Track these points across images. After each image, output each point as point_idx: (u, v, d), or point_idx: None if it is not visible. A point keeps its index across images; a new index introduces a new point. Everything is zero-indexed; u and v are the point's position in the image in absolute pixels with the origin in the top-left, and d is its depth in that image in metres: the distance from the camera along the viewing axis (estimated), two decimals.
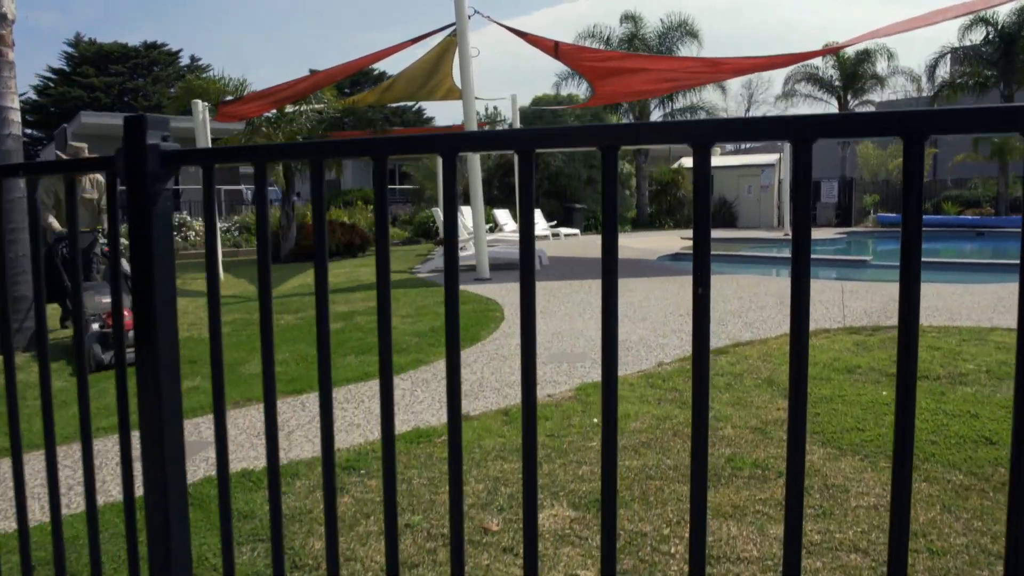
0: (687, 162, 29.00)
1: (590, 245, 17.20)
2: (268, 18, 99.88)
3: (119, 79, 48.51)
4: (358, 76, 48.07)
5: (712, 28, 73.76)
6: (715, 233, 18.88)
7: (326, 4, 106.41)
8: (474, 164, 9.86)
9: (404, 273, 11.40)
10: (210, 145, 16.07)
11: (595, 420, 3.96)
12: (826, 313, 6.82)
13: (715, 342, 5.74)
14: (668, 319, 6.81)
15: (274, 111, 14.43)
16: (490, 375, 5.04)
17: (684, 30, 24.03)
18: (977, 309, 6.79)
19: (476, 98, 17.24)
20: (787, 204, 22.09)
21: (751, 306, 7.35)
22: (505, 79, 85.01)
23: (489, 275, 10.14)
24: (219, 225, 19.62)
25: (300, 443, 3.82)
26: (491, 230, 20.30)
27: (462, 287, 9.32)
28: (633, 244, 17.55)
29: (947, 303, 7.14)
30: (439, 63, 12.33)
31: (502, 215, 20.04)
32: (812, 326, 6.29)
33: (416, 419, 4.14)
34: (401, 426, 4.02)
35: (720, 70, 11.40)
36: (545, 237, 19.99)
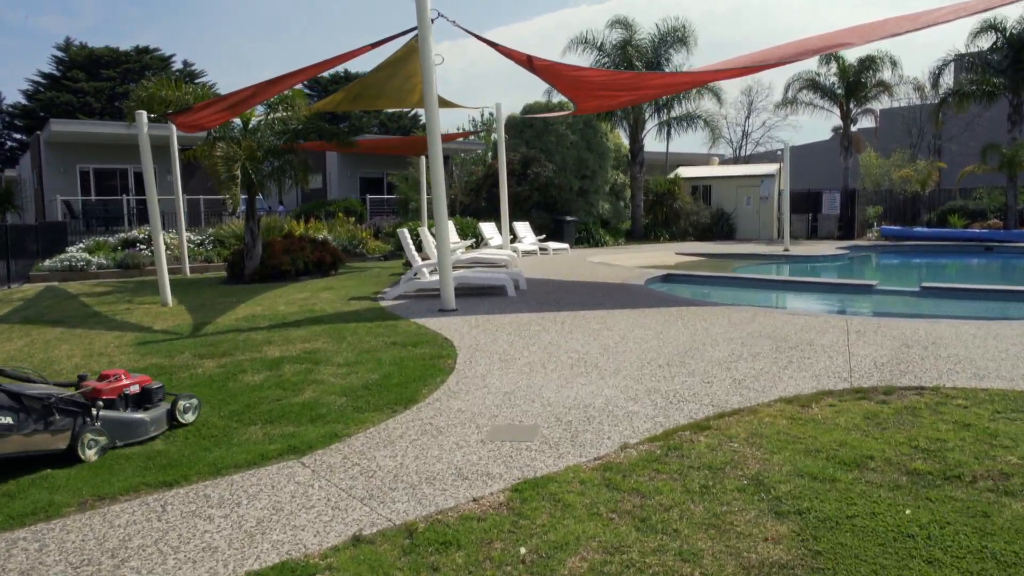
0: (684, 172, 28.04)
1: (579, 263, 16.22)
2: (269, 20, 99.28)
3: (110, 84, 47.79)
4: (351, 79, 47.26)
5: (713, 33, 73.06)
6: (712, 247, 18.08)
7: (328, 5, 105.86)
8: (437, 180, 8.86)
9: (366, 300, 10.42)
10: (174, 155, 15.13)
11: (522, 550, 2.97)
12: (829, 365, 5.83)
13: (694, 411, 4.75)
14: (644, 371, 5.83)
15: (237, 119, 13.47)
16: (412, 460, 4.05)
17: (677, 36, 23.12)
18: (1007, 360, 5.80)
19: (464, 107, 16.33)
20: (787, 216, 21.11)
21: (743, 353, 6.36)
22: (504, 85, 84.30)
23: (455, 306, 9.16)
24: (192, 237, 18.67)
25: None
26: (477, 244, 19.38)
27: (419, 321, 8.36)
28: (624, 260, 16.59)
29: (969, 351, 6.16)
30: (406, 68, 11.38)
31: (488, 228, 19.06)
32: (813, 384, 5.32)
33: (292, 539, 3.16)
34: (267, 553, 3.04)
35: (683, 81, 10.44)
36: (532, 252, 19.04)
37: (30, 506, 3.61)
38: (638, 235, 24.93)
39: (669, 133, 26.09)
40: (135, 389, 4.74)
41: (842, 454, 3.86)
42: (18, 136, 50.42)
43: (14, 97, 58.47)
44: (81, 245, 18.19)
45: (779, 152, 27.96)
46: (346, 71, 46.57)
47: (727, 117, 46.97)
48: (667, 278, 13.17)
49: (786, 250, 19.67)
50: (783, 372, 5.67)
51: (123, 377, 4.77)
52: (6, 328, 9.08)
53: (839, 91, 27.37)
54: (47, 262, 16.26)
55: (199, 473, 3.95)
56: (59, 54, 48.27)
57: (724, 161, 39.73)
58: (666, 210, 26.01)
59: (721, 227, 26.27)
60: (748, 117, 45.61)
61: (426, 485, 3.70)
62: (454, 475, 3.82)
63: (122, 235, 19.17)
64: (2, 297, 12.59)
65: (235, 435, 4.60)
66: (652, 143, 28.55)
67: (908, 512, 3.14)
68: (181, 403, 4.83)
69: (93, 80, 47.26)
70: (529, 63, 9.51)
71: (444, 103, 14.56)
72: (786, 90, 28.50)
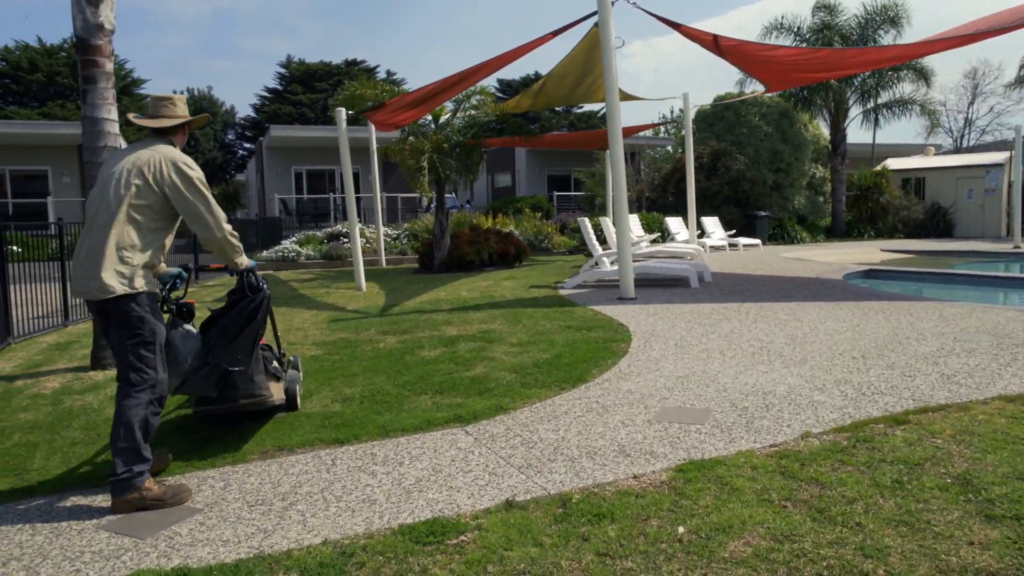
0: (893, 163, 25.73)
1: (770, 258, 15.34)
2: (463, 30, 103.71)
3: (323, 95, 51.90)
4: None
5: (933, 11, 66.50)
6: (924, 244, 16.37)
7: (522, 21, 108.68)
8: (617, 167, 8.69)
9: (546, 288, 10.47)
10: (373, 154, 16.10)
11: (681, 529, 2.76)
12: None
13: (890, 403, 4.24)
14: (835, 362, 5.32)
15: (428, 116, 14.06)
16: (574, 435, 3.94)
17: (887, 15, 21.15)
18: None
19: (647, 99, 16.04)
20: (1018, 210, 18.64)
21: (955, 349, 5.63)
22: (697, 80, 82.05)
23: (634, 294, 8.95)
24: (389, 232, 19.82)
25: (290, 524, 2.97)
26: (663, 239, 18.93)
27: (596, 308, 8.24)
28: (822, 256, 15.46)
29: None
30: (590, 59, 11.27)
31: (674, 223, 18.56)
32: None
33: (446, 499, 3.16)
34: (421, 509, 3.06)
35: (889, 56, 9.42)
36: (721, 248, 18.29)
37: (221, 451, 3.91)
38: (839, 232, 23.17)
39: (876, 121, 23.98)
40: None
41: None
42: (247, 145, 56.43)
43: (245, 111, 65.59)
44: (293, 238, 19.89)
45: (1011, 139, 24.79)
46: (536, 72, 47.42)
47: (946, 104, 42.52)
48: (869, 274, 12.08)
49: (1016, 247, 17.40)
50: (1004, 369, 4.94)
51: None
52: None
53: None
54: (264, 253, 17.95)
55: (369, 434, 4.10)
56: (281, 70, 53.32)
57: (942, 153, 36.00)
58: (871, 205, 23.96)
59: (936, 223, 23.78)
60: (972, 103, 41.06)
61: (586, 459, 3.57)
62: (616, 451, 3.66)
63: (328, 230, 20.74)
64: (226, 282, 14.02)
65: (406, 402, 4.73)
66: (856, 134, 26.47)
67: None
68: (288, 357, 5.32)
69: (309, 92, 51.66)
70: (715, 44, 9.06)
71: (627, 96, 14.33)
72: (1021, 68, 25.22)
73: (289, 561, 2.65)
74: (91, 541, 2.91)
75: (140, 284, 3.35)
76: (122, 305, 3.30)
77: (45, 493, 3.45)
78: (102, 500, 3.33)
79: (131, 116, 3.69)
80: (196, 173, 3.48)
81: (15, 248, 12.12)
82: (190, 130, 3.77)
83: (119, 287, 3.28)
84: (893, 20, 21.17)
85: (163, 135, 3.60)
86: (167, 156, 3.45)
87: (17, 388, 5.58)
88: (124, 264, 3.32)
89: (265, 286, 3.89)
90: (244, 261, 3.77)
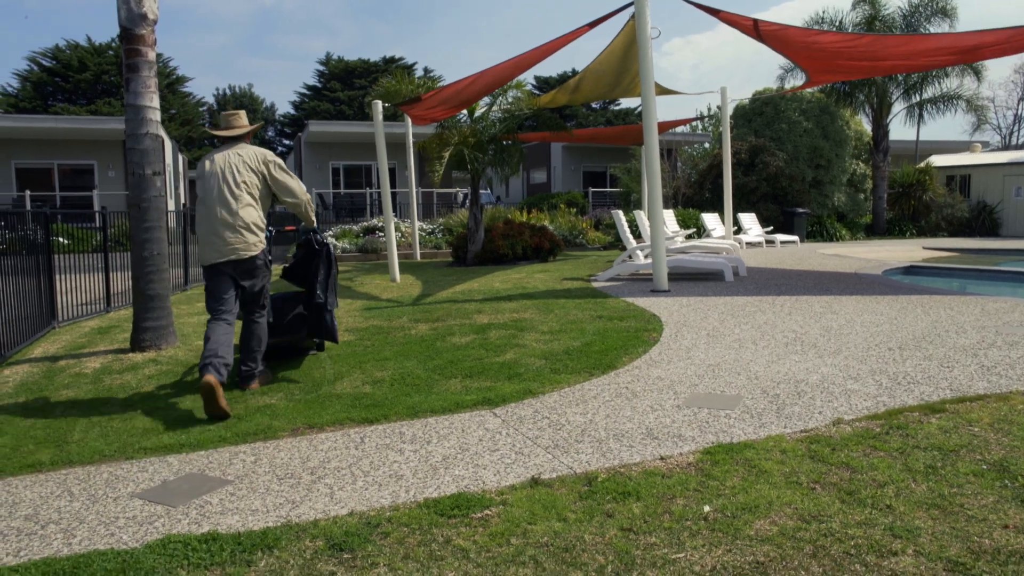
0: (937, 160, 25.14)
1: (808, 254, 15.10)
2: (502, 29, 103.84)
3: (361, 92, 52.29)
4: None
5: (984, 6, 64.79)
6: (968, 243, 15.95)
7: (559, 18, 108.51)
8: (651, 159, 8.63)
9: (579, 281, 10.44)
10: (409, 149, 16.22)
11: (706, 508, 2.74)
12: None
13: (926, 393, 4.16)
14: (870, 353, 5.22)
15: (464, 112, 14.10)
16: (602, 418, 3.93)
17: (936, 7, 20.57)
18: None
19: (684, 93, 15.88)
20: None
21: (996, 341, 5.49)
22: (738, 76, 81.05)
23: (668, 287, 8.88)
24: (424, 226, 19.94)
25: (318, 496, 3.01)
26: (698, 235, 18.76)
27: (629, 299, 8.20)
28: (861, 253, 15.17)
29: None
30: (627, 54, 11.19)
31: (711, 219, 18.37)
32: None
33: (472, 476, 3.18)
34: (446, 485, 3.08)
35: (939, 46, 9.13)
36: (757, 244, 18.06)
37: (253, 427, 3.98)
38: (880, 230, 22.70)
39: (921, 117, 23.42)
40: None
41: None
42: (287, 142, 57.24)
43: (285, 108, 66.47)
44: (330, 232, 20.10)
45: None
46: (573, 69, 47.31)
47: (994, 100, 41.35)
48: (910, 270, 11.83)
49: None
50: None
51: None
52: None
53: None
54: None
55: (398, 414, 4.13)
56: (320, 68, 53.91)
57: (990, 150, 35.07)
58: (914, 203, 23.43)
59: (982, 222, 23.17)
60: (1022, 99, 39.81)
61: (613, 441, 3.56)
62: (643, 434, 3.64)
63: (364, 224, 20.93)
64: None
65: (436, 386, 4.76)
66: (900, 130, 25.85)
67: None
68: None
69: (347, 89, 52.14)
70: (755, 29, 8.92)
71: (663, 90, 14.21)
72: None
73: (315, 530, 2.69)
74: (125, 508, 2.99)
75: (264, 245, 4.77)
76: (257, 261, 4.73)
77: (83, 463, 3.54)
78: (137, 471, 3.41)
79: (209, 130, 5.07)
80: (280, 160, 4.87)
81: (62, 240, 12.46)
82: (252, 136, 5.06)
83: (257, 247, 4.70)
84: (944, 11, 20.53)
85: (236, 140, 4.86)
86: (258, 151, 4.82)
87: (60, 368, 5.74)
88: (259, 231, 4.73)
89: (327, 241, 5.25)
90: (315, 221, 5.23)
